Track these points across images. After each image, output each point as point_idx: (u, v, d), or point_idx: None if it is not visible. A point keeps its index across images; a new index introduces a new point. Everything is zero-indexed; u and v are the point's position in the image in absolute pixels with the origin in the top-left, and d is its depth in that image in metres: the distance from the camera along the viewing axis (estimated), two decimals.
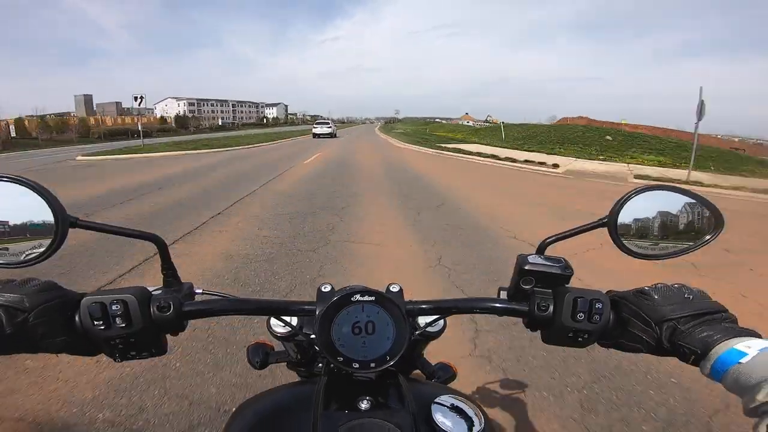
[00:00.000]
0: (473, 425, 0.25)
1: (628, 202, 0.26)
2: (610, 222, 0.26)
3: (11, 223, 0.22)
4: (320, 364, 0.38)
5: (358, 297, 0.25)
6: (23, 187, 0.22)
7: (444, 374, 0.40)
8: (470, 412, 0.26)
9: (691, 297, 0.24)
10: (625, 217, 0.26)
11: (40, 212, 0.22)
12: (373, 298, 0.25)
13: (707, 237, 0.27)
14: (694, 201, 0.26)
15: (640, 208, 0.26)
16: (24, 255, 0.23)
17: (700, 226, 0.26)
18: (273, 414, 0.30)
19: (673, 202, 0.26)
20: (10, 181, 0.22)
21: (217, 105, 74.34)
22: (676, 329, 0.23)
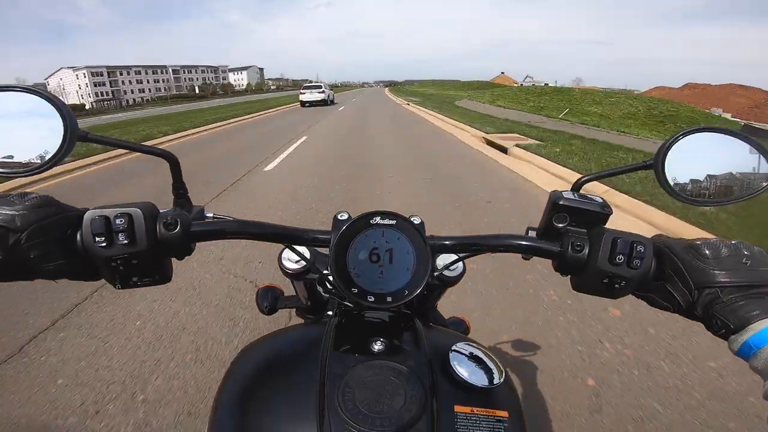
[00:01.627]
0: (493, 377, 0.31)
1: (677, 143, 0.32)
2: (657, 163, 0.32)
3: (20, 130, 0.29)
4: (330, 312, 0.46)
5: (377, 220, 0.31)
6: (36, 97, 0.28)
7: (457, 328, 0.48)
8: (490, 363, 0.32)
9: (748, 262, 0.27)
10: (673, 159, 0.32)
11: (51, 122, 0.28)
12: (394, 222, 0.31)
13: (763, 183, 0.32)
14: (747, 145, 0.32)
15: (689, 152, 0.32)
16: (26, 164, 0.28)
17: (753, 172, 0.33)
18: (281, 354, 0.36)
19: (725, 145, 0.33)
20: (23, 92, 0.28)
21: (145, 73, 71.54)
22: (717, 298, 0.27)
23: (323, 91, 16.83)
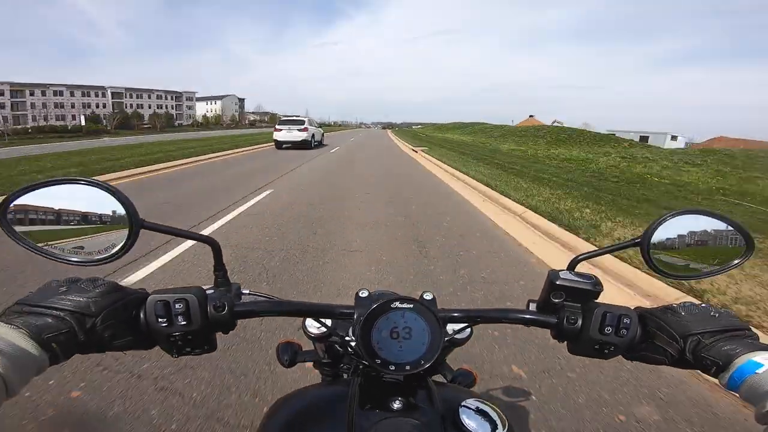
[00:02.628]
0: (497, 428, 0.44)
1: (663, 224, 0.48)
2: (643, 242, 0.48)
3: (89, 222, 0.42)
4: (345, 365, 0.65)
5: (397, 304, 0.45)
6: (101, 191, 0.41)
7: (465, 380, 0.66)
8: (494, 416, 0.46)
9: (716, 315, 0.44)
10: (658, 238, 0.48)
11: (115, 214, 0.42)
12: (411, 306, 0.46)
13: (736, 261, 0.48)
14: (727, 225, 0.48)
15: (674, 230, 0.48)
16: (98, 254, 0.43)
17: (730, 249, 0.49)
18: (309, 411, 0.53)
19: (707, 226, 0.49)
20: (89, 185, 0.41)
21: (70, 95, 68.87)
22: (700, 342, 0.42)
23: (305, 129, 15.54)
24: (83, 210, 0.42)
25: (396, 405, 0.47)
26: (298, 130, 15.55)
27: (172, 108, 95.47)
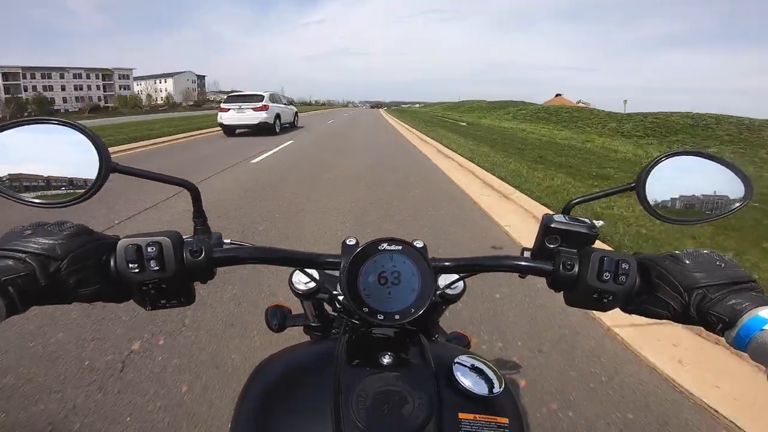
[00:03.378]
0: (493, 386, 0.51)
1: (657, 166, 0.56)
2: (638, 186, 0.55)
3: (57, 162, 0.48)
4: (335, 329, 0.74)
5: (385, 246, 0.51)
6: (73, 130, 0.46)
7: (459, 343, 0.76)
8: (490, 374, 0.53)
9: (722, 265, 0.48)
10: (654, 181, 0.56)
11: (86, 154, 0.47)
12: (400, 247, 0.51)
13: (736, 204, 0.55)
14: (724, 167, 0.56)
15: (669, 173, 0.56)
16: (64, 196, 0.48)
17: (729, 192, 0.56)
18: (296, 369, 0.60)
19: (703, 168, 0.57)
20: (61, 125, 0.47)
21: None
22: (705, 297, 0.46)
23: (264, 107, 14.18)
24: (52, 150, 0.49)
25: (386, 360, 0.54)
26: (253, 109, 14.01)
27: (99, 89, 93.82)
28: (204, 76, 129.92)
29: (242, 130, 14.82)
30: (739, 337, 0.43)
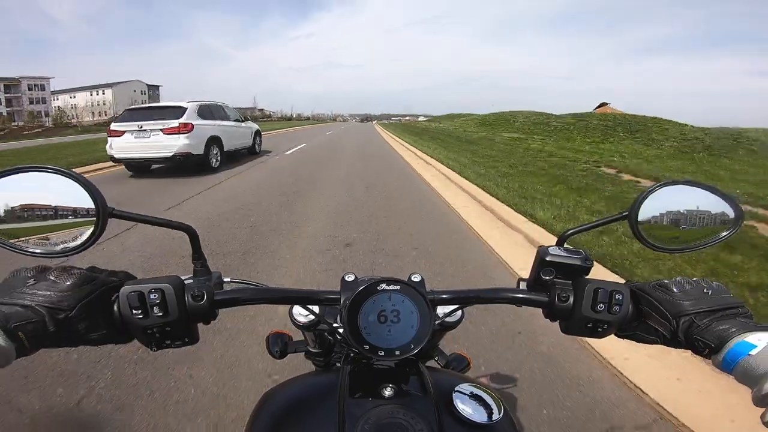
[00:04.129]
0: (492, 413, 0.63)
1: (650, 196, 0.70)
2: (631, 215, 0.69)
3: (54, 211, 0.58)
4: (337, 354, 0.90)
5: (384, 286, 0.63)
6: (66, 179, 0.56)
7: (459, 364, 0.93)
8: (489, 400, 0.65)
9: (709, 292, 0.61)
10: (646, 210, 0.70)
11: (82, 203, 0.57)
12: (398, 287, 0.63)
13: (726, 232, 0.70)
14: (715, 196, 0.71)
15: (662, 202, 0.71)
16: (64, 245, 0.59)
17: (719, 220, 0.71)
18: (299, 401, 0.75)
19: (695, 196, 0.71)
20: (55, 173, 0.56)
21: None
22: (693, 323, 0.59)
23: (184, 128, 10.40)
24: (49, 199, 0.59)
25: (387, 392, 0.67)
26: (164, 130, 10.35)
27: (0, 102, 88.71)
28: (158, 86, 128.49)
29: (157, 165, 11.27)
30: (726, 361, 0.55)
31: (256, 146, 15.56)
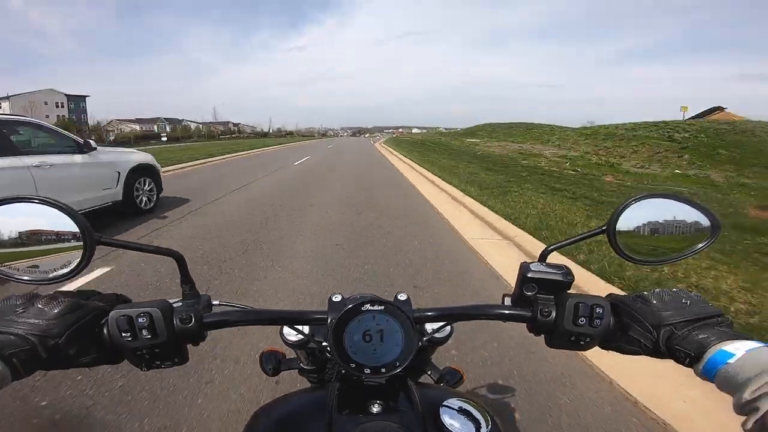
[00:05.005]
0: (480, 427, 0.85)
1: (627, 209, 0.91)
2: (609, 229, 0.92)
3: (42, 240, 0.78)
4: (329, 371, 1.15)
5: (368, 306, 0.85)
6: (51, 208, 0.75)
7: (452, 378, 1.18)
8: (477, 414, 0.88)
9: (688, 302, 0.83)
10: (624, 223, 0.92)
11: (69, 230, 0.77)
12: (382, 308, 0.85)
13: (702, 243, 0.93)
14: (692, 208, 0.92)
15: (639, 215, 0.92)
16: (53, 272, 0.79)
17: (696, 232, 0.92)
18: (289, 419, 0.98)
19: (672, 210, 0.93)
20: (39, 203, 0.75)
21: None
22: (673, 333, 0.79)
23: None
24: (36, 228, 0.76)
25: (375, 408, 0.85)
26: None
27: None
28: (84, 97, 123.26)
29: None
30: (706, 370, 0.71)
31: (143, 197, 10.32)
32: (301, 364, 1.21)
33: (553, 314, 0.86)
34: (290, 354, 1.26)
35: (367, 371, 0.81)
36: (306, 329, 1.06)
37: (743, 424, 0.61)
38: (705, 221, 0.89)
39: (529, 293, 0.89)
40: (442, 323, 1.00)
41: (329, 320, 0.84)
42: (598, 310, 0.83)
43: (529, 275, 0.88)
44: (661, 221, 0.91)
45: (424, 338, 0.98)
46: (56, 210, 0.75)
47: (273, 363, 1.22)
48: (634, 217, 0.90)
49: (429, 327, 1.04)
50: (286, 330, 1.11)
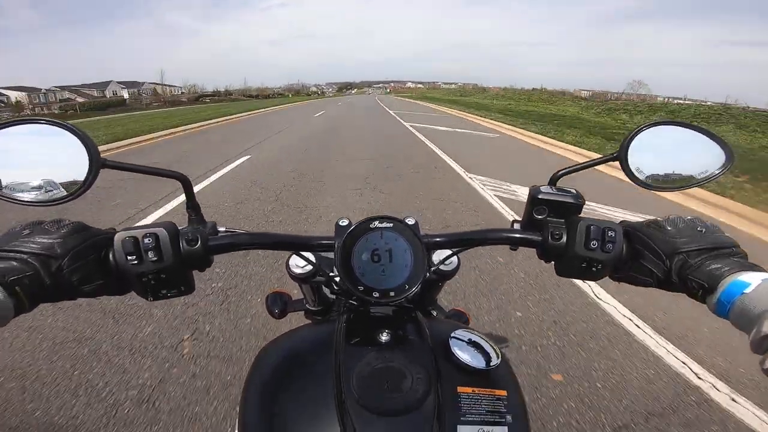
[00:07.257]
0: (490, 359, 0.82)
1: (638, 136, 0.90)
2: (621, 155, 0.90)
3: (47, 160, 0.79)
4: (335, 311, 1.15)
5: (376, 224, 0.84)
6: (60, 129, 0.75)
7: (457, 320, 1.20)
8: (487, 347, 0.85)
9: (703, 230, 0.79)
10: (636, 150, 0.90)
11: (76, 152, 0.75)
12: (391, 225, 0.85)
13: (716, 171, 0.90)
14: (704, 135, 0.91)
15: (651, 142, 0.91)
16: (55, 192, 0.78)
17: (709, 158, 0.91)
18: (296, 354, 0.94)
19: (684, 137, 0.92)
20: (48, 124, 0.75)
21: None
22: (686, 262, 0.75)
23: None
24: (43, 149, 0.76)
25: (384, 338, 0.84)
26: None
27: None
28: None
29: None
30: (720, 302, 0.67)
31: None
32: (307, 305, 1.22)
33: (564, 238, 0.84)
34: (296, 296, 1.27)
35: (376, 294, 0.80)
36: (313, 259, 1.03)
37: (761, 363, 0.54)
38: (718, 150, 0.88)
39: (540, 216, 0.88)
40: (448, 253, 0.99)
41: (336, 244, 0.83)
42: (610, 233, 0.81)
43: (539, 197, 0.87)
44: (673, 148, 0.90)
45: (431, 268, 0.96)
46: (65, 131, 0.74)
47: (279, 305, 1.24)
48: (647, 143, 0.88)
49: (436, 258, 1.02)
50: (293, 262, 1.10)
